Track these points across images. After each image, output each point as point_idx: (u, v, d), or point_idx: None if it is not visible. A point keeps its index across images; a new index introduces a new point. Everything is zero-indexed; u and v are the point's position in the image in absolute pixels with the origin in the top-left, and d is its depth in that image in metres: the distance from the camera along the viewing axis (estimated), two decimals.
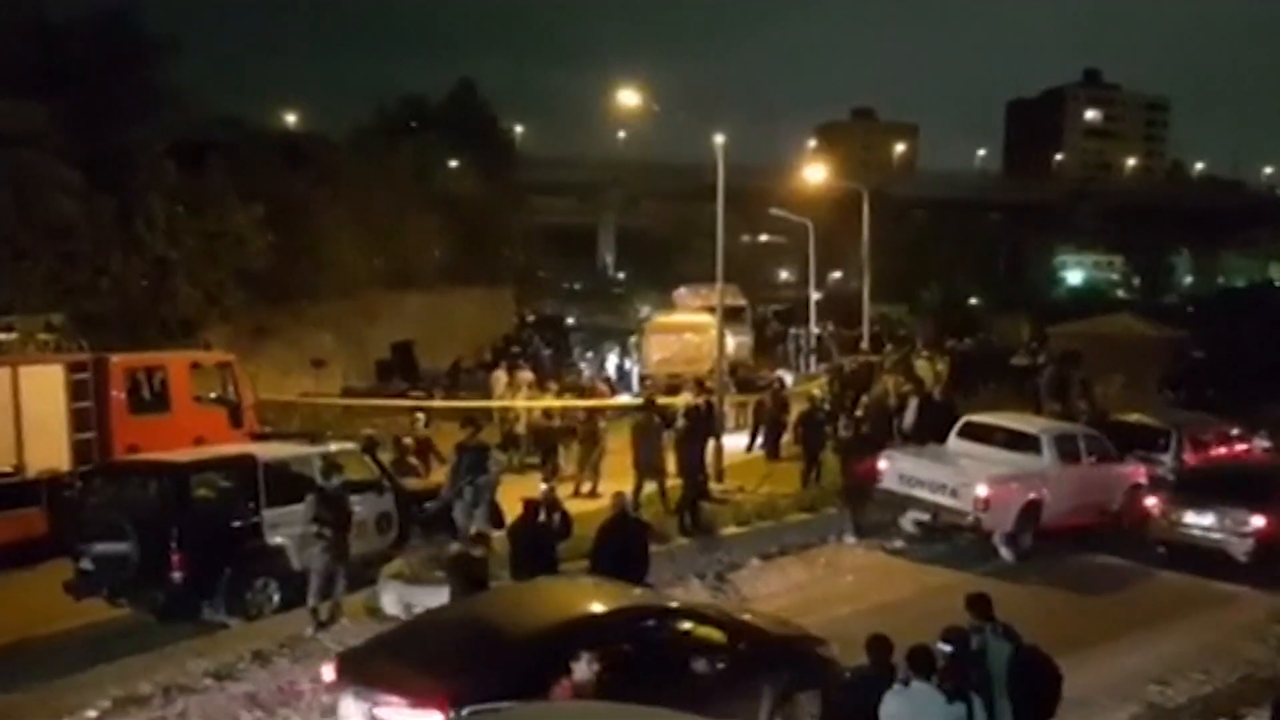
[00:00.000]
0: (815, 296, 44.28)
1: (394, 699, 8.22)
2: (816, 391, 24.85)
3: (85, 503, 14.53)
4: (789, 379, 28.90)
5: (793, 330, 42.59)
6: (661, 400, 22.00)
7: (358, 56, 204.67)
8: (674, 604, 10.40)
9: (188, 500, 13.78)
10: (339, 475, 13.50)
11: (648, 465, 18.00)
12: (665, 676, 8.82)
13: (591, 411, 22.20)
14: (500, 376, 26.09)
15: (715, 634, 9.60)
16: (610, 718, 7.33)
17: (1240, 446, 20.63)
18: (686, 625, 9.61)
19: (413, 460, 17.95)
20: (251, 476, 13.99)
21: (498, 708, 7.42)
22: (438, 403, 24.93)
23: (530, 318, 47.55)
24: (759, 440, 24.04)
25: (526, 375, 26.26)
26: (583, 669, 7.92)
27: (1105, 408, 23.87)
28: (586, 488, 19.79)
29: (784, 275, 74.83)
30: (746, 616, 10.74)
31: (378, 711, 8.29)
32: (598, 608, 9.53)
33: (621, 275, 76.07)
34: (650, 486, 18.10)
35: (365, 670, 8.78)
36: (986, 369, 31.66)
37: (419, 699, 8.04)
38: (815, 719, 9.64)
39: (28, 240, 25.04)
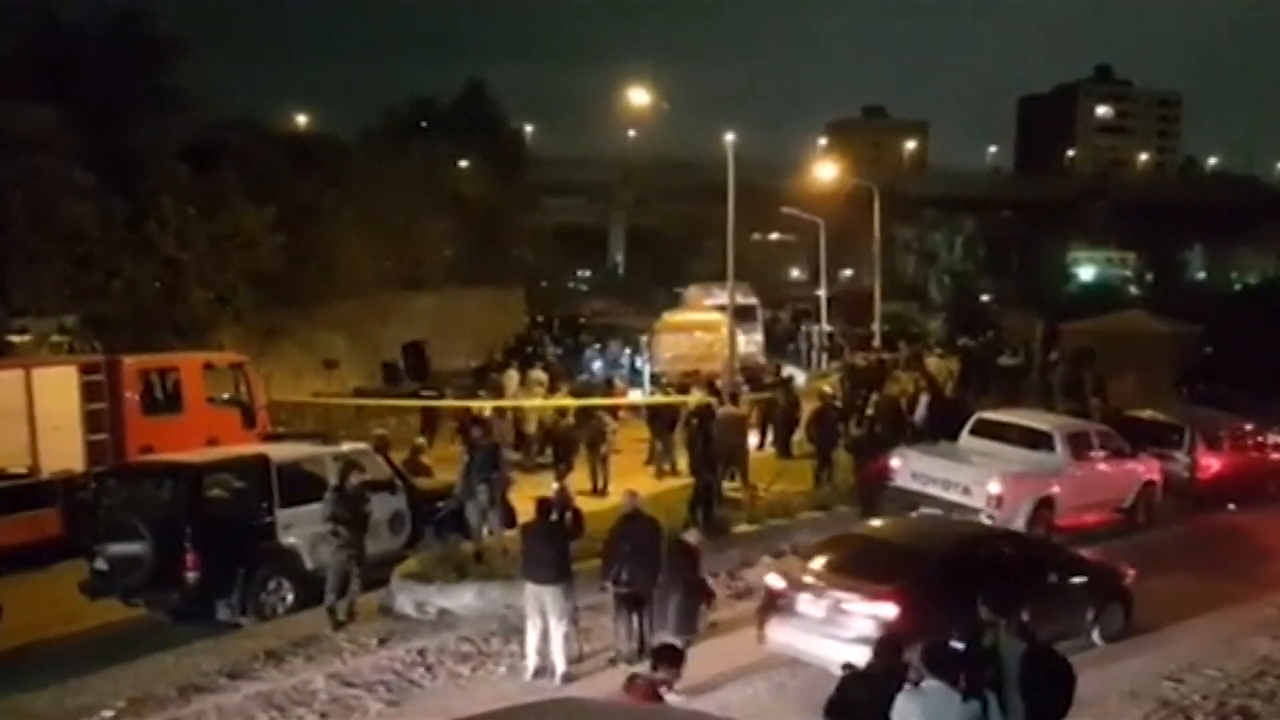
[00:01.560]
0: (825, 294, 44.23)
1: (853, 596, 10.76)
2: (828, 389, 24.77)
3: (99, 504, 14.52)
4: (800, 377, 28.85)
5: (804, 327, 42.55)
6: (671, 399, 21.96)
7: (367, 58, 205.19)
8: (1027, 535, 14.76)
9: (201, 501, 13.84)
10: (358, 475, 13.55)
11: (728, 455, 18.19)
12: (1031, 585, 11.21)
13: (598, 409, 22.14)
14: (513, 376, 26.14)
15: (1057, 556, 12.88)
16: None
17: (1255, 442, 20.57)
18: (1037, 549, 13.22)
19: (425, 460, 17.96)
20: (265, 477, 14.05)
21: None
22: (449, 402, 24.93)
23: (540, 318, 47.49)
24: (770, 438, 23.99)
25: (539, 375, 26.32)
26: (669, 673, 7.87)
27: (1118, 404, 23.77)
28: (599, 485, 19.80)
29: (795, 273, 74.78)
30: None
31: (844, 605, 10.74)
32: (980, 533, 13.68)
33: (622, 272, 75.90)
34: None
35: (815, 578, 11.32)
36: (989, 367, 31.53)
37: (875, 595, 10.65)
38: (1119, 624, 12.64)
39: (40, 243, 25.07)
